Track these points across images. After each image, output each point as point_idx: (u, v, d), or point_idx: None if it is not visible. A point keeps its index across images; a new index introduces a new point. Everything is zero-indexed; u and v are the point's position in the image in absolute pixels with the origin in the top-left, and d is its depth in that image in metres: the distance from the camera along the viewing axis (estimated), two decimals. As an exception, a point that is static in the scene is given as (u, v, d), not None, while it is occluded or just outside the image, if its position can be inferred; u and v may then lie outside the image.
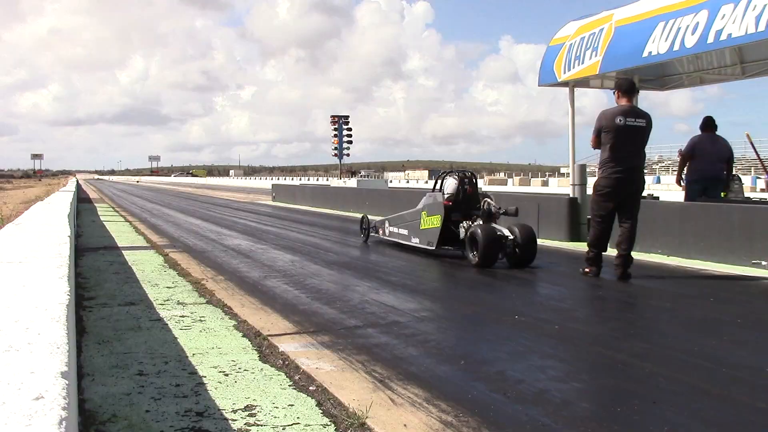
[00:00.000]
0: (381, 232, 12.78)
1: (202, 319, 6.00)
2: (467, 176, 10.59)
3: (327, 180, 71.77)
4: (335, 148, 64.62)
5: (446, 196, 10.52)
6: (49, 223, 8.10)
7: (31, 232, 6.76)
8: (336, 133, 64.07)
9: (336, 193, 26.62)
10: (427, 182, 68.66)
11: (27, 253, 4.96)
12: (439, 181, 11.03)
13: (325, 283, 8.13)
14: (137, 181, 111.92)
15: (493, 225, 9.69)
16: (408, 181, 75.63)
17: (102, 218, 19.26)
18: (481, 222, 9.85)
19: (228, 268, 9.50)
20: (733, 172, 11.84)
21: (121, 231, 15.11)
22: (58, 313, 3.02)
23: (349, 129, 65.14)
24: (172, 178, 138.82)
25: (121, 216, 20.90)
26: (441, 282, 8.41)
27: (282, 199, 31.10)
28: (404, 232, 11.76)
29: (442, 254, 10.74)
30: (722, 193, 11.41)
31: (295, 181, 78.15)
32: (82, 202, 29.72)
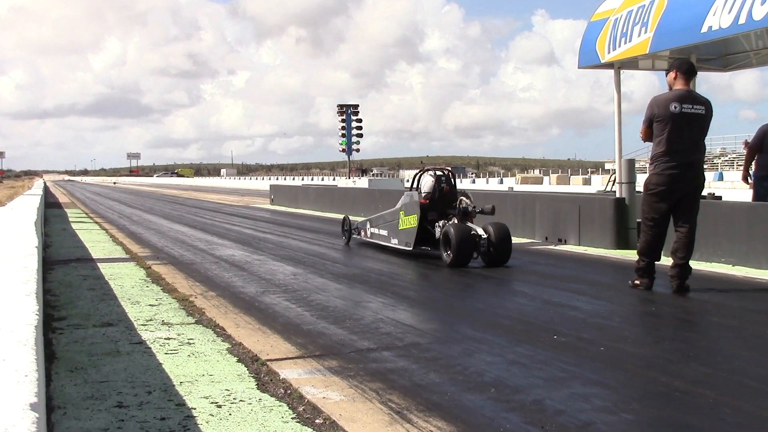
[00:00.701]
0: (363, 233, 13.90)
1: (191, 341, 6.03)
2: (444, 174, 11.68)
3: (333, 180, 71.87)
4: (343, 143, 64.72)
5: (423, 195, 11.60)
6: (12, 231, 8.18)
7: (-7, 242, 6.81)
8: (344, 125, 64.15)
9: (344, 194, 26.68)
10: (449, 181, 68.66)
11: (-11, 267, 5.00)
12: (416, 179, 12.04)
13: (332, 299, 8.14)
14: (114, 183, 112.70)
15: (468, 224, 10.72)
16: (427, 180, 75.74)
17: (74, 226, 19.40)
18: (455, 221, 10.88)
19: (220, 282, 9.54)
20: None
21: (96, 240, 15.22)
22: (26, 336, 3.03)
23: (359, 120, 65.20)
24: (154, 179, 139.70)
25: (96, 223, 21.06)
26: (466, 297, 8.40)
27: (282, 203, 31.21)
28: (384, 233, 12.84)
29: (467, 268, 10.72)
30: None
31: (297, 182, 78.29)
32: (50, 207, 29.91)
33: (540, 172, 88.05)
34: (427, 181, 11.77)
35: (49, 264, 10.86)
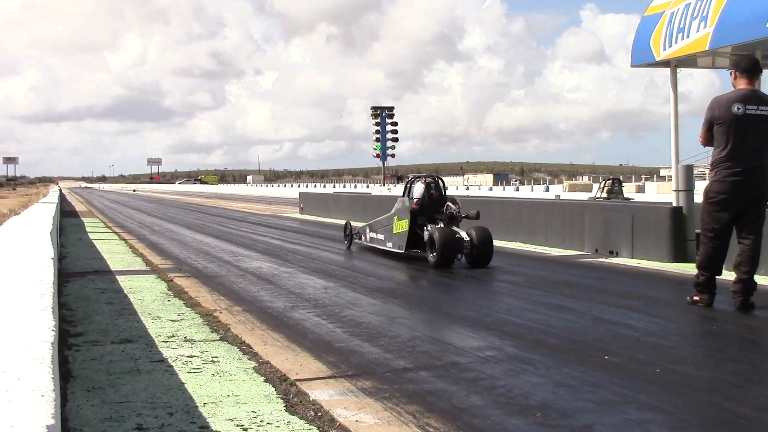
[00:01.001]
0: (363, 238, 15.55)
1: (215, 359, 6.06)
2: (434, 181, 13.44)
3: (367, 187, 72.05)
4: (377, 148, 64.88)
5: (414, 200, 13.24)
6: (27, 242, 8.29)
7: (5, 254, 6.91)
8: (378, 128, 64.31)
9: (379, 203, 26.67)
10: (491, 188, 68.35)
11: (1, 279, 5.07)
12: (408, 186, 13.83)
13: (366, 315, 8.14)
14: (134, 190, 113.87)
15: (453, 228, 12.44)
16: (468, 188, 75.21)
17: (91, 236, 19.67)
18: (442, 225, 12.57)
19: (246, 296, 9.60)
20: None
21: (114, 251, 15.41)
22: (42, 353, 3.06)
23: (394, 123, 65.26)
24: (176, 186, 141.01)
25: (115, 233, 21.32)
26: (509, 313, 8.35)
27: (312, 212, 31.34)
28: (381, 237, 14.57)
29: (508, 278, 10.65)
30: None
31: (328, 189, 78.53)
32: (66, 216, 30.36)
33: (589, 179, 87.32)
34: (418, 188, 13.47)
35: (64, 276, 11.01)
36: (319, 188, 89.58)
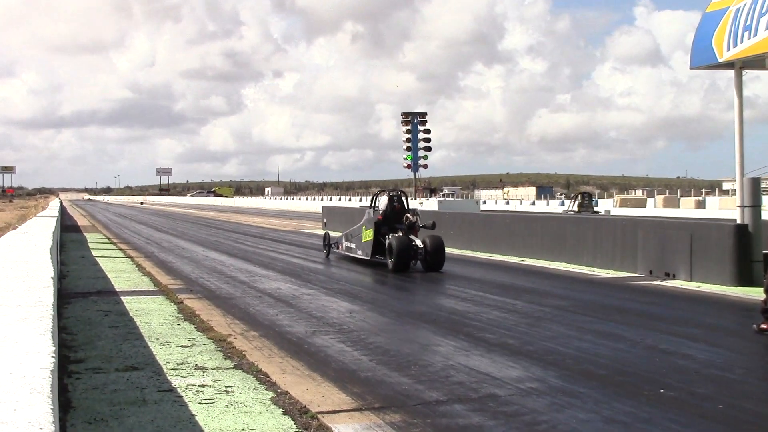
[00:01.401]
0: (340, 247, 18.43)
1: (229, 389, 6.08)
2: (397, 195, 16.77)
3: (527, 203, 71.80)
4: (408, 158, 64.90)
5: (379, 212, 16.36)
6: (24, 260, 8.32)
7: (1, 272, 6.95)
8: (409, 136, 64.35)
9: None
10: (534, 203, 68.06)
11: (-2, 301, 5.10)
12: (374, 199, 17.40)
13: (395, 342, 8.12)
14: (141, 203, 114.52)
15: (410, 237, 15.50)
16: (508, 202, 74.90)
17: (94, 253, 19.82)
18: (401, 234, 15.58)
19: (263, 320, 9.63)
20: None
21: (119, 270, 15.53)
22: (40, 382, 3.07)
23: (427, 131, 65.28)
24: (188, 199, 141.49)
25: (120, 250, 21.48)
26: (554, 341, 8.29)
27: (336, 227, 31.31)
28: (353, 245, 17.52)
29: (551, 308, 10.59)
30: None
31: (354, 203, 78.46)
32: (67, 230, 30.63)
33: (643, 193, 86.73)
34: (383, 201, 16.63)
35: (65, 297, 11.10)
36: (344, 202, 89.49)
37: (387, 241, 15.76)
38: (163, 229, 34.14)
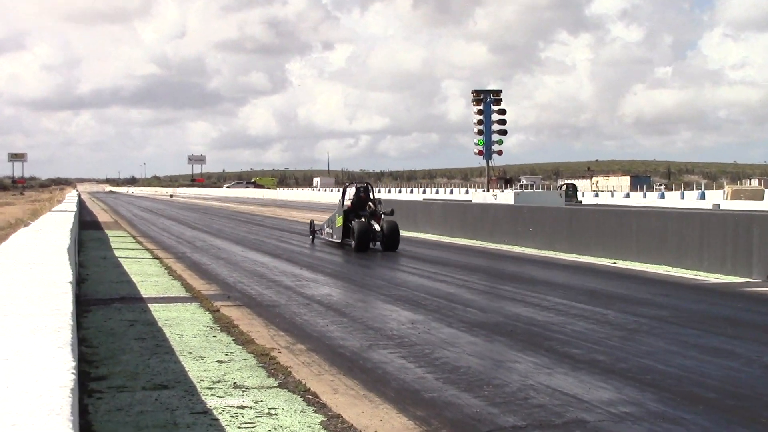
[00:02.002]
0: (323, 233, 24.10)
1: (272, 412, 6.12)
2: (363, 186, 22.70)
3: (467, 193, 71.55)
4: (479, 143, 64.54)
5: (349, 201, 22.35)
6: (39, 261, 8.40)
7: (12, 276, 7.02)
8: (481, 117, 63.95)
9: (481, 214, 26.61)
10: (628, 195, 67.28)
11: (9, 308, 5.16)
12: (344, 190, 23.77)
13: (464, 357, 8.11)
14: (170, 196, 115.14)
15: (371, 222, 21.29)
16: (597, 194, 74.10)
17: (117, 253, 20.05)
18: (363, 220, 21.31)
19: (312, 331, 9.68)
20: None
21: (147, 273, 15.71)
22: (59, 402, 3.08)
23: (502, 111, 64.77)
24: (224, 191, 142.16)
25: (147, 250, 21.69)
26: (652, 357, 8.20)
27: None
28: (331, 231, 23.34)
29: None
30: None
31: (416, 195, 78.36)
32: (86, 228, 31.00)
33: (760, 183, 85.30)
34: (351, 191, 22.83)
35: (84, 304, 11.25)
36: (405, 194, 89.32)
37: (351, 225, 21.45)
38: (196, 226, 34.36)
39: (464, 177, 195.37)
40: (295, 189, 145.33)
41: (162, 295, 12.52)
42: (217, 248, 22.30)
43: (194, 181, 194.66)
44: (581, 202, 49.48)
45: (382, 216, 21.56)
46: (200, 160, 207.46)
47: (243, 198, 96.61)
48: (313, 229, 25.13)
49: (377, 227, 21.09)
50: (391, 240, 20.99)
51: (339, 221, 22.30)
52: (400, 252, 20.64)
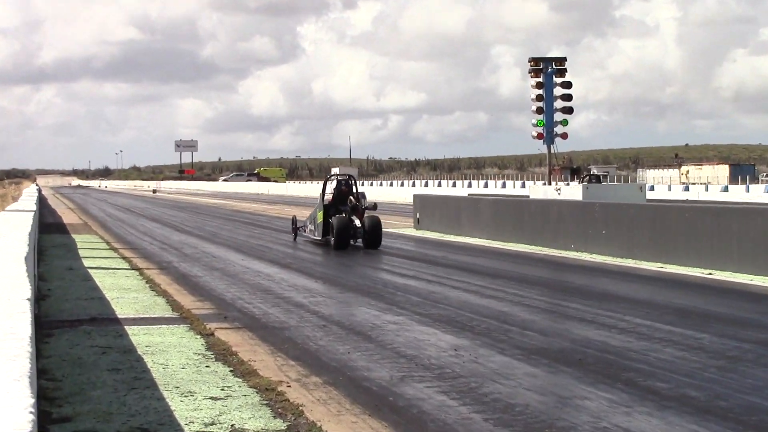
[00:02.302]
0: (306, 231, 27.25)
1: (280, 460, 6.09)
2: (345, 179, 25.67)
3: (523, 186, 71.27)
4: (539, 123, 64.21)
5: (329, 195, 25.31)
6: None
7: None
8: (540, 92, 63.55)
9: (541, 213, 26.44)
10: (726, 188, 66.95)
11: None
12: (325, 183, 26.78)
13: (520, 392, 8.08)
14: (153, 191, 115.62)
15: (352, 217, 23.98)
16: (687, 187, 73.71)
17: (87, 263, 20.04)
18: (343, 215, 23.93)
19: (329, 360, 9.68)
20: None
21: (123, 288, 15.74)
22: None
23: (566, 84, 64.25)
24: (219, 185, 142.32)
25: (124, 259, 21.72)
26: (758, 392, 8.13)
27: (434, 226, 31.28)
28: (312, 227, 26.41)
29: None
30: None
31: (459, 189, 78.26)
32: (48, 231, 31.09)
33: None
34: (331, 185, 25.77)
35: (46, 327, 11.26)
36: (446, 188, 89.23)
37: (331, 221, 24.10)
38: (185, 229, 34.47)
39: (519, 167, 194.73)
40: (308, 182, 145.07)
41: (142, 316, 12.57)
42: (211, 256, 22.38)
43: (183, 172, 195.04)
44: None
45: (365, 211, 24.27)
46: (190, 146, 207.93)
47: (244, 194, 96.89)
48: (295, 226, 28.40)
49: (358, 223, 23.91)
50: (372, 237, 23.77)
51: (320, 217, 25.12)
52: (439, 261, 20.62)
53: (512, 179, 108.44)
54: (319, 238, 24.90)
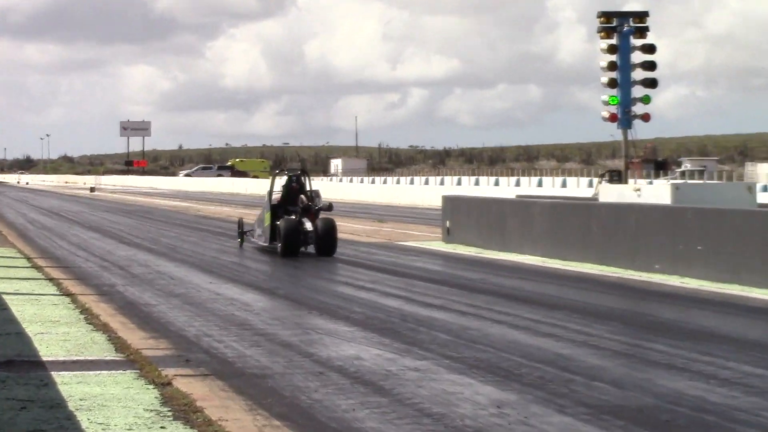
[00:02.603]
0: (255, 236, 30.49)
1: None
2: (296, 175, 29.37)
3: (590, 185, 71.23)
4: (612, 101, 64.09)
5: (276, 194, 29.37)
6: None
7: None
8: (613, 59, 63.46)
9: (615, 221, 26.42)
10: None
11: None
12: (273, 179, 32.19)
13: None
14: (92, 189, 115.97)
15: (302, 220, 27.49)
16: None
17: (1, 287, 20.09)
18: (292, 217, 27.49)
19: (328, 420, 9.70)
20: None
21: (50, 319, 15.74)
22: None
23: (649, 49, 64.09)
24: (180, 181, 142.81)
25: (51, 280, 21.73)
26: None
27: (468, 237, 31.30)
28: (260, 231, 29.87)
29: None
30: None
31: (504, 188, 78.42)
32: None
33: None
34: (280, 181, 28.86)
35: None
36: (486, 186, 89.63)
37: (277, 224, 27.02)
38: (134, 241, 34.67)
39: (585, 159, 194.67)
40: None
41: (75, 358, 12.59)
42: (169, 277, 22.49)
43: (131, 165, 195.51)
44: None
45: (318, 212, 27.41)
46: (141, 129, 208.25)
47: (213, 193, 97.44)
48: (241, 230, 31.77)
49: (309, 226, 27.01)
50: (326, 242, 26.94)
51: (267, 219, 28.52)
52: (476, 286, 20.68)
53: (575, 175, 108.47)
54: (266, 244, 28.02)
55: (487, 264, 25.41)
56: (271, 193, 28.48)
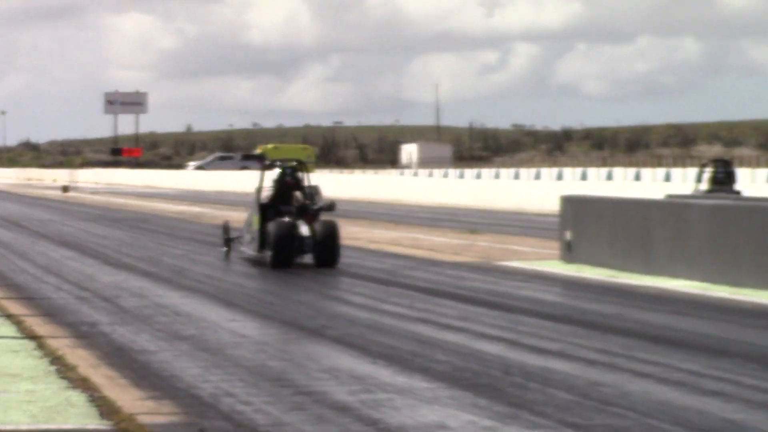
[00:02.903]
0: (244, 243, 33.79)
1: None
2: (290, 168, 33.00)
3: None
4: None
5: (265, 192, 33.94)
6: None
7: None
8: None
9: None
10: None
11: None
12: (261, 175, 35.31)
13: None
14: (64, 189, 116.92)
15: (297, 223, 31.25)
16: None
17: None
18: (285, 220, 31.62)
19: None
20: None
21: (9, 372, 15.79)
22: None
23: None
24: (190, 175, 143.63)
25: (9, 317, 21.84)
26: None
27: (598, 254, 31.33)
28: (249, 237, 33.85)
29: None
30: None
31: (647, 185, 78.73)
32: None
33: None
34: (270, 177, 31.32)
35: None
36: (623, 182, 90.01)
37: (268, 228, 29.57)
38: (124, 261, 34.99)
39: (764, 142, 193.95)
40: (358, 172, 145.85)
41: (44, 427, 12.63)
42: (173, 312, 22.58)
43: (120, 153, 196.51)
44: (738, 192, 55.11)
45: (318, 213, 30.20)
46: (134, 103, 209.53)
47: (236, 193, 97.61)
48: (228, 236, 35.48)
49: (306, 230, 29.72)
50: (327, 250, 29.74)
51: (255, 222, 31.67)
52: (610, 324, 20.69)
53: (749, 166, 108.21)
54: (255, 253, 30.81)
55: (625, 292, 25.41)
56: (260, 189, 30.97)
